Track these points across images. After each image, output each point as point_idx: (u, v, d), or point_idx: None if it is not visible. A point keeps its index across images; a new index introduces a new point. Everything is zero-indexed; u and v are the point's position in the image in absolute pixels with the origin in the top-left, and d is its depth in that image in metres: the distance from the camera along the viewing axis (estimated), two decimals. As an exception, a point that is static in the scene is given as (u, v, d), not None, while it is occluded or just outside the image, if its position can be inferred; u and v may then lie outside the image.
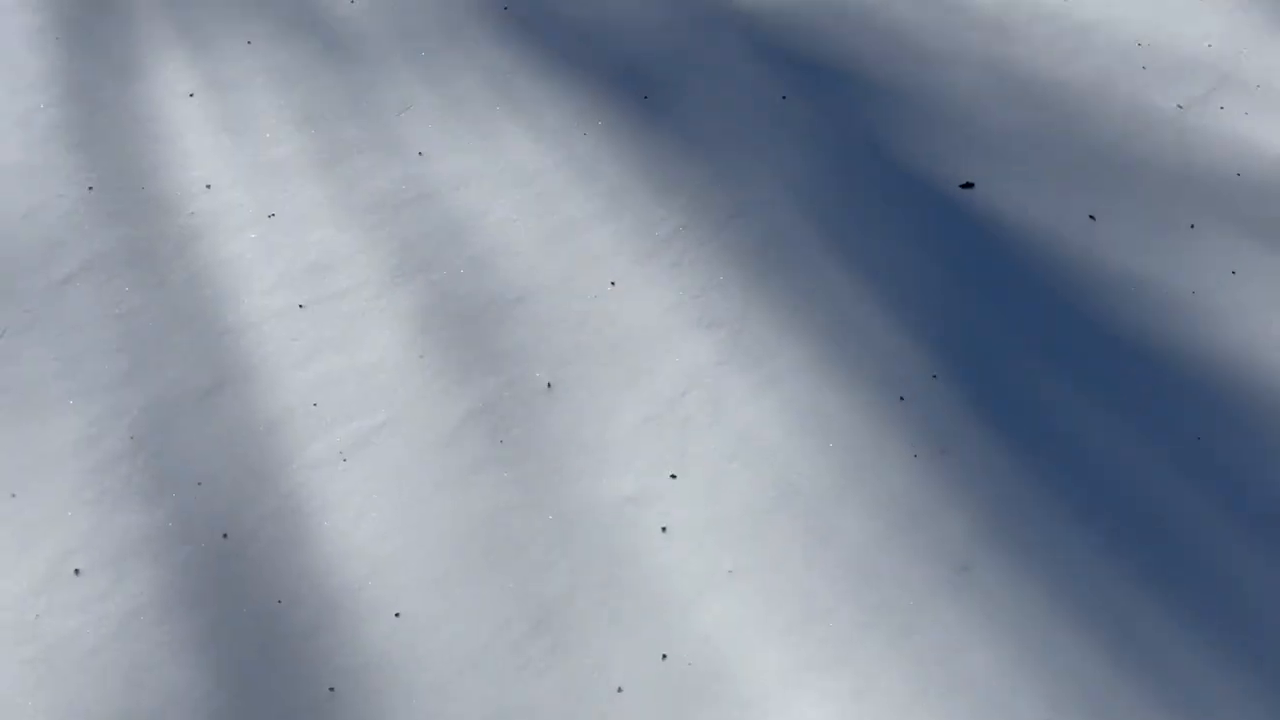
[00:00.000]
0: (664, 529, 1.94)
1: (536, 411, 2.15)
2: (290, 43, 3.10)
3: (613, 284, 2.38)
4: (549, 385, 2.19)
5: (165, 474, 2.01)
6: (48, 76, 2.97)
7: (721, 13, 3.09)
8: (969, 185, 2.57)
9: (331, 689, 1.57)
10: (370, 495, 2.00)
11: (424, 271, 2.41)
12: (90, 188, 2.64)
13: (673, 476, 2.02)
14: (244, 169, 2.68)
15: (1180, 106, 2.77)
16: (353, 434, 2.10)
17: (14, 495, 1.98)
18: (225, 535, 1.86)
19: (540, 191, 2.60)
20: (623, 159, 2.68)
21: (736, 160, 2.66)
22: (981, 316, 2.30)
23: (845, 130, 2.71)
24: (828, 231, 2.48)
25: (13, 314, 2.34)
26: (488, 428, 2.12)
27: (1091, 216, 2.50)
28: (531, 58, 3.00)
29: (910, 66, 2.90)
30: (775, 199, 2.55)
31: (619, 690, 1.59)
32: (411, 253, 2.46)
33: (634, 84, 2.90)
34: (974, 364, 2.19)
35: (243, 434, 2.08)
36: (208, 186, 2.64)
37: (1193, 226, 2.47)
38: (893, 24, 3.02)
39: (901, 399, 2.11)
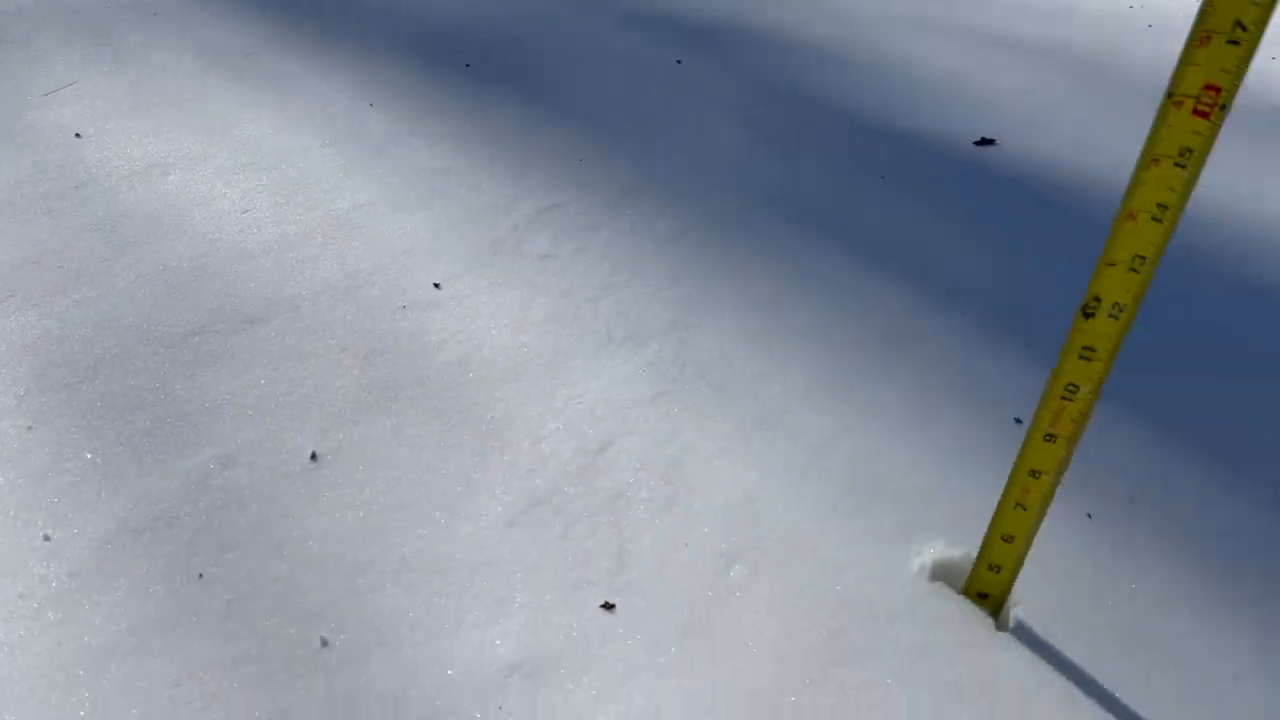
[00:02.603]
0: None
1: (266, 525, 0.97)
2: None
3: (437, 286, 1.27)
4: (314, 457, 1.02)
5: None
6: None
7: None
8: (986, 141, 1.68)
9: None
10: None
11: (60, 293, 1.24)
12: None
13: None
14: None
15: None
16: None
17: None
18: None
19: (292, 177, 1.50)
20: (452, 135, 1.63)
21: (619, 133, 1.66)
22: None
23: (763, 90, 1.78)
24: (784, 210, 1.48)
25: None
26: (185, 572, 0.93)
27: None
28: (282, 32, 1.97)
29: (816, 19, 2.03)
30: (685, 176, 1.55)
31: None
32: (38, 269, 1.28)
33: (450, 52, 1.90)
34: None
35: None
36: None
37: None
38: None
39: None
